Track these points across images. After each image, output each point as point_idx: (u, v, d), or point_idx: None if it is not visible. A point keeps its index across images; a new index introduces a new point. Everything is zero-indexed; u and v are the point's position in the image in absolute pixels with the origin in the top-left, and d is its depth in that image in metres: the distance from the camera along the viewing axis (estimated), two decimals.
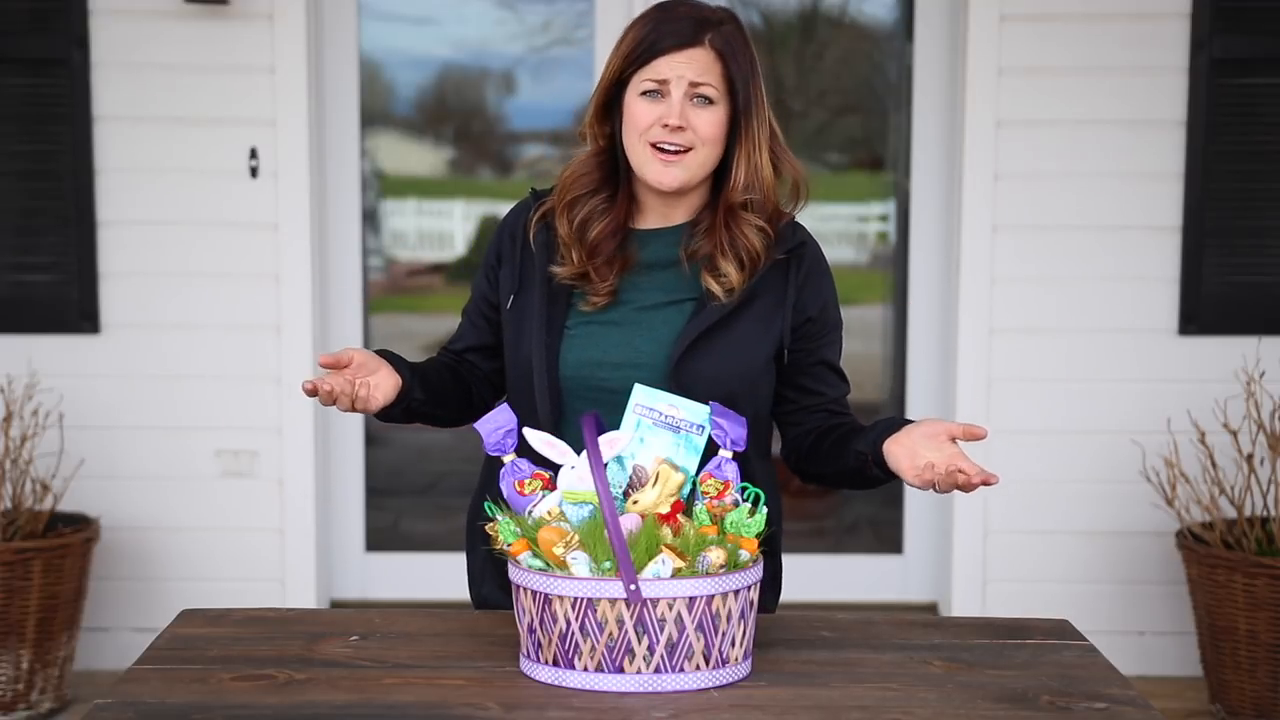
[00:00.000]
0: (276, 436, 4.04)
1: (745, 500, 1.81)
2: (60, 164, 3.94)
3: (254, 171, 3.95)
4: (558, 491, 1.82)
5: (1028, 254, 3.98)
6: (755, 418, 2.00)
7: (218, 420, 4.03)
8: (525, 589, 1.73)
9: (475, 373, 2.16)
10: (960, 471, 1.79)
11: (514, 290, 2.05)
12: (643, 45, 1.96)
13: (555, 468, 1.85)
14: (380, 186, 4.51)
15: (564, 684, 1.71)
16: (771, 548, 1.90)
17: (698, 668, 1.70)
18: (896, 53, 4.37)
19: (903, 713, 1.65)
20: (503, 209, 2.16)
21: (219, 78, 3.92)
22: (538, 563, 1.73)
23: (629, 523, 1.74)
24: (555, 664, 1.72)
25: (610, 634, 1.68)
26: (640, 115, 1.96)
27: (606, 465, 1.80)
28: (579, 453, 1.83)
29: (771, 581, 2.06)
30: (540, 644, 1.73)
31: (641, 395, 1.88)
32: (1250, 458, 3.66)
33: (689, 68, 1.95)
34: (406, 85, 4.56)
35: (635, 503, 1.79)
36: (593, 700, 1.67)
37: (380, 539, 4.37)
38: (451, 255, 4.72)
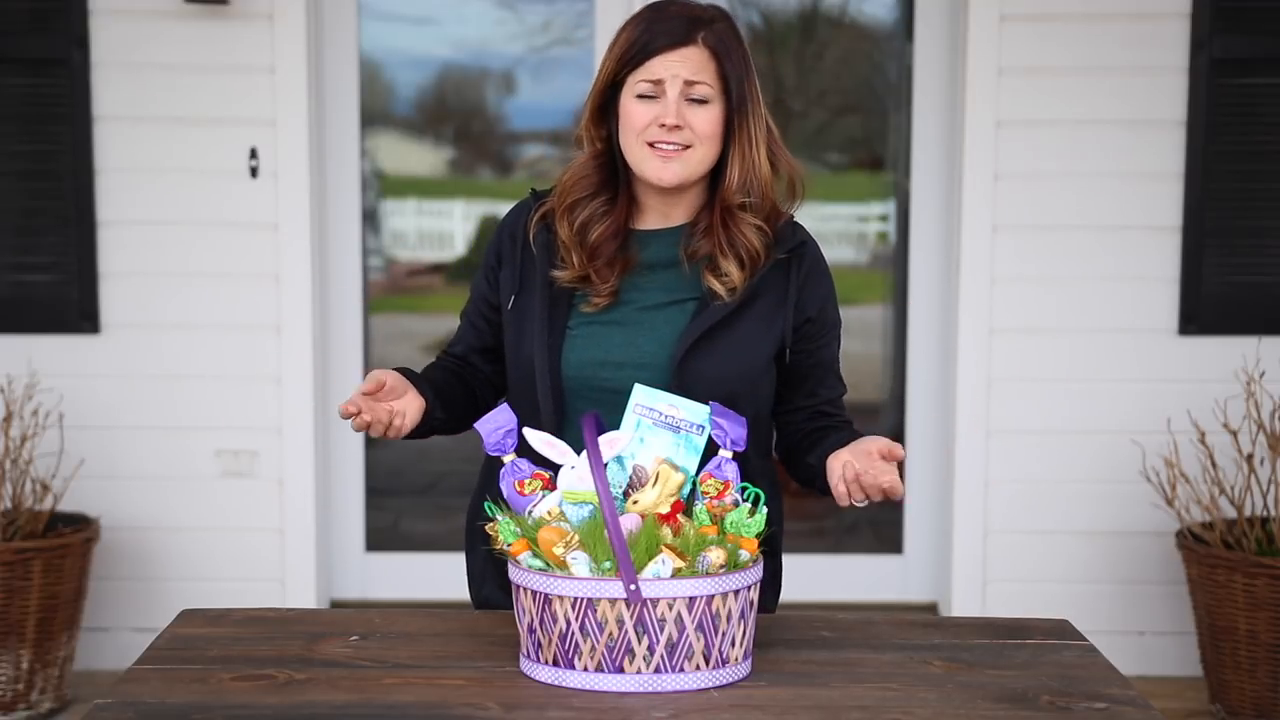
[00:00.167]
0: (276, 436, 4.04)
1: (745, 500, 1.82)
2: (60, 164, 3.94)
3: (254, 171, 3.95)
4: (558, 491, 1.82)
5: (1028, 254, 3.98)
6: (756, 418, 2.00)
7: (218, 420, 4.03)
8: (525, 589, 1.73)
9: (478, 375, 2.16)
10: (877, 483, 1.82)
11: (515, 291, 2.05)
12: (636, 46, 1.97)
13: (555, 468, 1.85)
14: (380, 186, 4.51)
15: (564, 684, 1.71)
16: (772, 547, 1.91)
17: (698, 668, 1.70)
18: (896, 53, 4.37)
19: (903, 713, 1.65)
20: (503, 209, 2.16)
21: (219, 78, 3.92)
22: (538, 563, 1.73)
23: (629, 523, 1.74)
24: (555, 664, 1.72)
25: (610, 634, 1.68)
26: (637, 116, 1.97)
27: (606, 465, 1.80)
28: (579, 453, 1.83)
29: (771, 581, 2.06)
30: (540, 644, 1.73)
31: (641, 395, 1.88)
32: (1250, 458, 3.66)
33: (683, 67, 1.95)
34: (406, 85, 4.56)
35: (635, 503, 1.79)
36: (593, 700, 1.67)
37: (380, 539, 4.37)
38: (451, 255, 4.72)
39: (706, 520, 1.78)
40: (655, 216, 2.05)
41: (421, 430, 2.00)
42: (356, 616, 2.02)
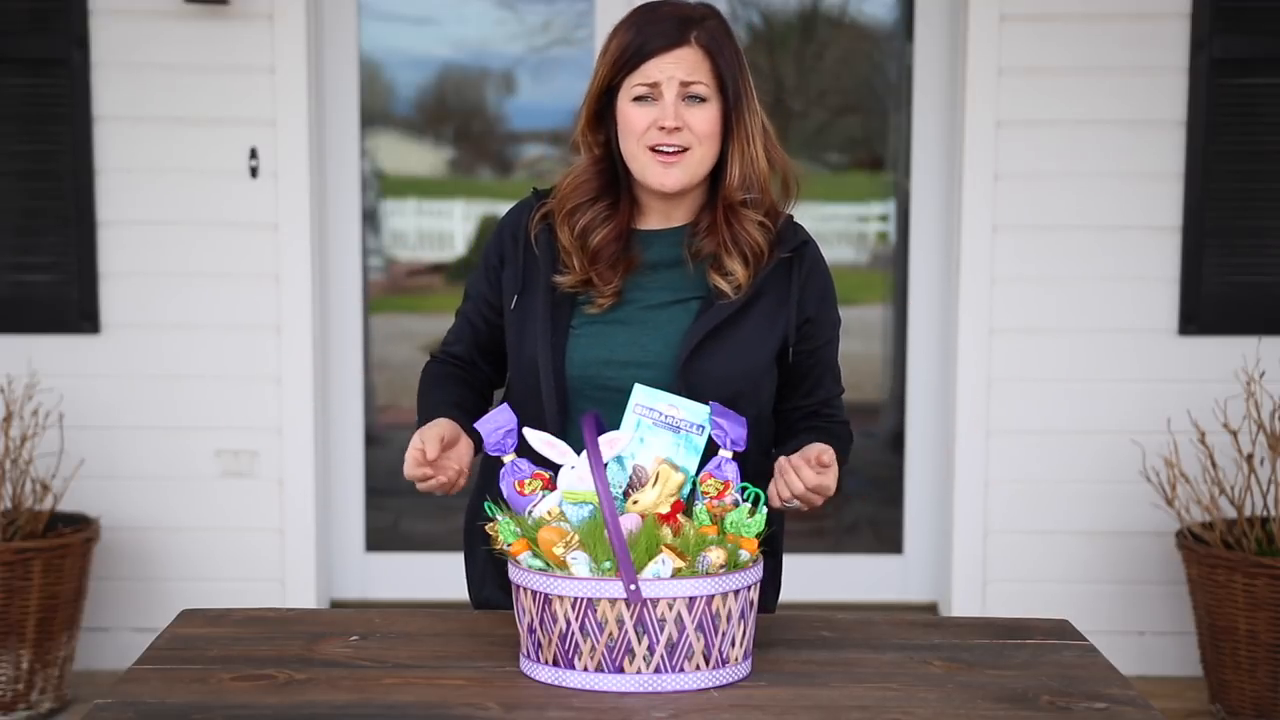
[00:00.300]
0: (276, 436, 4.04)
1: (745, 500, 1.81)
2: (60, 164, 3.94)
3: (254, 171, 3.95)
4: (558, 491, 1.82)
5: (1028, 254, 3.98)
6: (757, 418, 2.00)
7: (218, 420, 4.03)
8: (525, 589, 1.73)
9: (481, 376, 2.15)
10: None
11: (517, 291, 2.04)
12: (630, 50, 1.96)
13: (555, 468, 1.85)
14: (380, 186, 4.51)
15: (564, 684, 1.71)
16: (772, 547, 1.91)
17: (698, 668, 1.70)
18: (896, 53, 4.37)
19: (903, 713, 1.65)
20: (502, 209, 2.16)
21: (219, 78, 3.93)
22: (538, 563, 1.73)
23: (629, 523, 1.74)
24: (555, 664, 1.72)
25: (610, 634, 1.68)
26: (635, 120, 1.96)
27: (606, 465, 1.80)
28: (579, 452, 1.83)
29: (771, 581, 2.06)
30: (540, 644, 1.73)
31: (641, 395, 1.88)
32: (1250, 458, 3.66)
33: (678, 68, 1.95)
34: (406, 85, 4.56)
35: (635, 503, 1.79)
36: (593, 700, 1.67)
37: (380, 539, 4.37)
38: (451, 255, 4.72)
39: (706, 520, 1.78)
40: (657, 217, 2.05)
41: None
42: (356, 616, 2.02)
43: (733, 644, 1.72)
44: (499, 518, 1.80)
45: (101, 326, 3.99)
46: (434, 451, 1.90)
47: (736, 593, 1.71)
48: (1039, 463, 4.03)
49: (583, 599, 1.68)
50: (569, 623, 1.69)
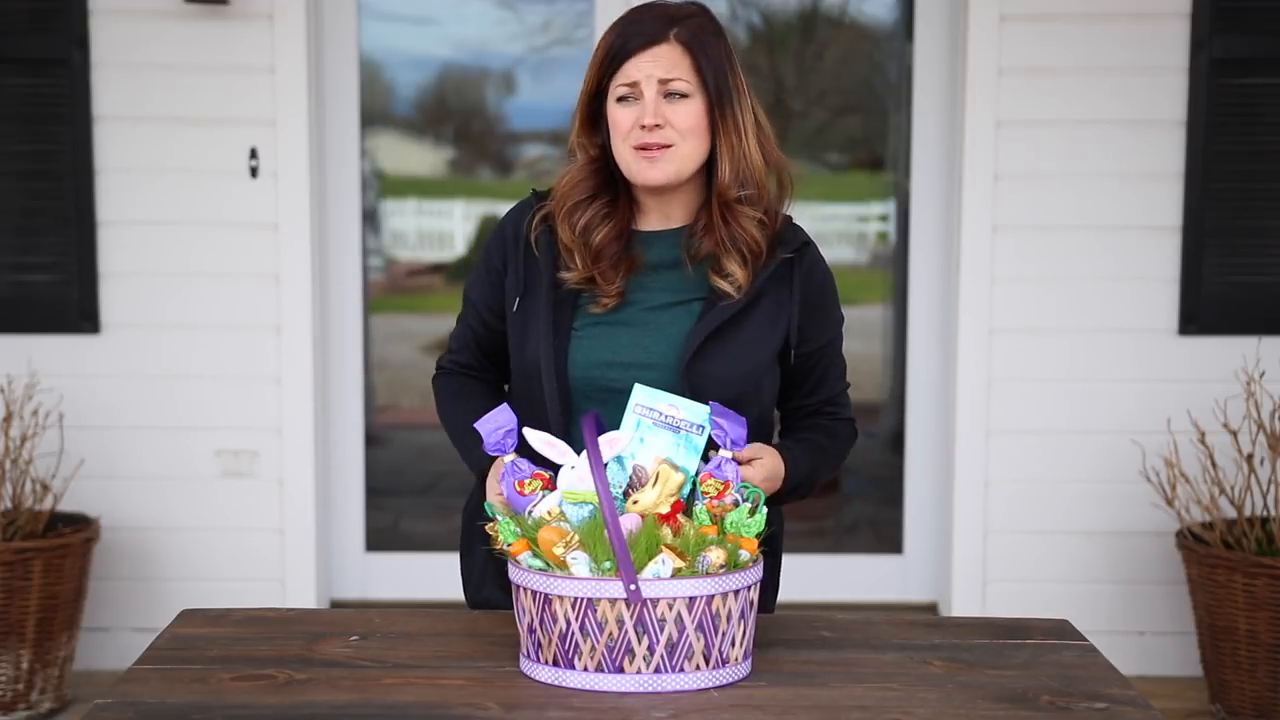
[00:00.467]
0: (276, 436, 4.04)
1: (745, 500, 1.81)
2: (60, 164, 3.94)
3: (254, 171, 3.95)
4: (558, 491, 1.82)
5: (1028, 254, 3.98)
6: (759, 417, 2.01)
7: (218, 420, 4.03)
8: (525, 589, 1.73)
9: (493, 379, 2.15)
10: None
11: (520, 293, 2.04)
12: (612, 52, 1.98)
13: (555, 468, 1.85)
14: (380, 186, 4.51)
15: (564, 684, 1.71)
16: (771, 547, 1.91)
17: (698, 668, 1.70)
18: (896, 53, 4.37)
19: (903, 713, 1.65)
20: (503, 209, 2.16)
21: (219, 78, 3.93)
22: (538, 563, 1.73)
23: (629, 523, 1.74)
24: (555, 664, 1.72)
25: (610, 634, 1.68)
26: (620, 121, 1.98)
27: (606, 465, 1.80)
28: (580, 452, 1.83)
29: (771, 581, 2.06)
30: (540, 644, 1.73)
31: (641, 395, 1.88)
32: (1250, 458, 3.66)
33: (656, 66, 1.95)
34: (406, 85, 4.56)
35: (635, 503, 1.79)
36: (593, 700, 1.67)
37: (380, 539, 4.37)
38: (451, 255, 4.72)
39: (706, 520, 1.78)
40: (656, 218, 2.05)
41: None
42: (356, 616, 2.02)
43: (733, 644, 1.73)
44: (499, 518, 1.80)
45: (101, 326, 3.99)
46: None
47: (736, 593, 1.71)
48: (1039, 463, 4.03)
49: (583, 599, 1.68)
50: (569, 623, 1.69)
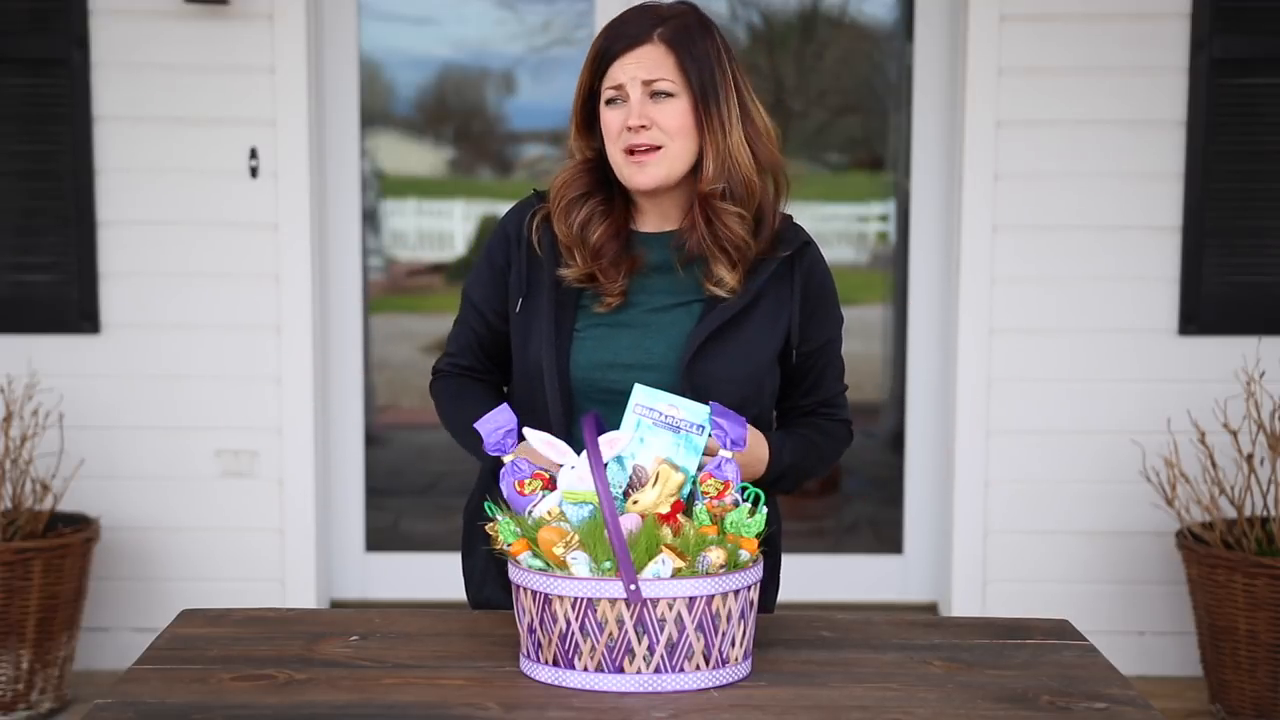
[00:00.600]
0: (276, 436, 4.04)
1: (745, 500, 1.81)
2: (60, 164, 3.94)
3: (254, 171, 3.95)
4: (558, 491, 1.82)
5: (1028, 254, 3.98)
6: (758, 417, 2.01)
7: (218, 420, 4.03)
8: (525, 589, 1.73)
9: (494, 381, 2.15)
10: None
11: (522, 294, 2.04)
12: (599, 55, 1.99)
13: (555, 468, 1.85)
14: (380, 186, 4.51)
15: (564, 684, 1.71)
16: (770, 547, 1.90)
17: (698, 668, 1.70)
18: (896, 53, 4.37)
19: (903, 713, 1.65)
20: (503, 209, 2.15)
21: (219, 78, 3.93)
22: (538, 563, 1.73)
23: (629, 523, 1.74)
24: (555, 664, 1.72)
25: (610, 634, 1.68)
26: (609, 124, 1.98)
27: (606, 465, 1.80)
28: (581, 453, 1.83)
29: (770, 581, 2.06)
30: (540, 644, 1.73)
31: (641, 395, 1.88)
32: (1250, 458, 3.66)
33: (639, 67, 1.96)
34: (406, 85, 4.56)
35: (635, 503, 1.79)
36: (593, 700, 1.67)
37: (380, 539, 4.37)
38: (451, 255, 4.72)
39: (706, 520, 1.78)
40: (654, 219, 2.05)
41: None
42: (356, 616, 2.02)
43: (733, 644, 1.72)
44: (499, 518, 1.80)
45: (101, 326, 3.99)
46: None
47: (736, 593, 1.71)
48: (1039, 463, 4.03)
49: (583, 599, 1.68)
50: (569, 623, 1.69)
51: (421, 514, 4.56)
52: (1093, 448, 4.01)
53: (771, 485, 1.98)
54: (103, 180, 3.95)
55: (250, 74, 3.93)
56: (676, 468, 1.83)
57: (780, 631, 1.93)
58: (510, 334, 2.07)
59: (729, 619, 1.71)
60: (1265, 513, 3.70)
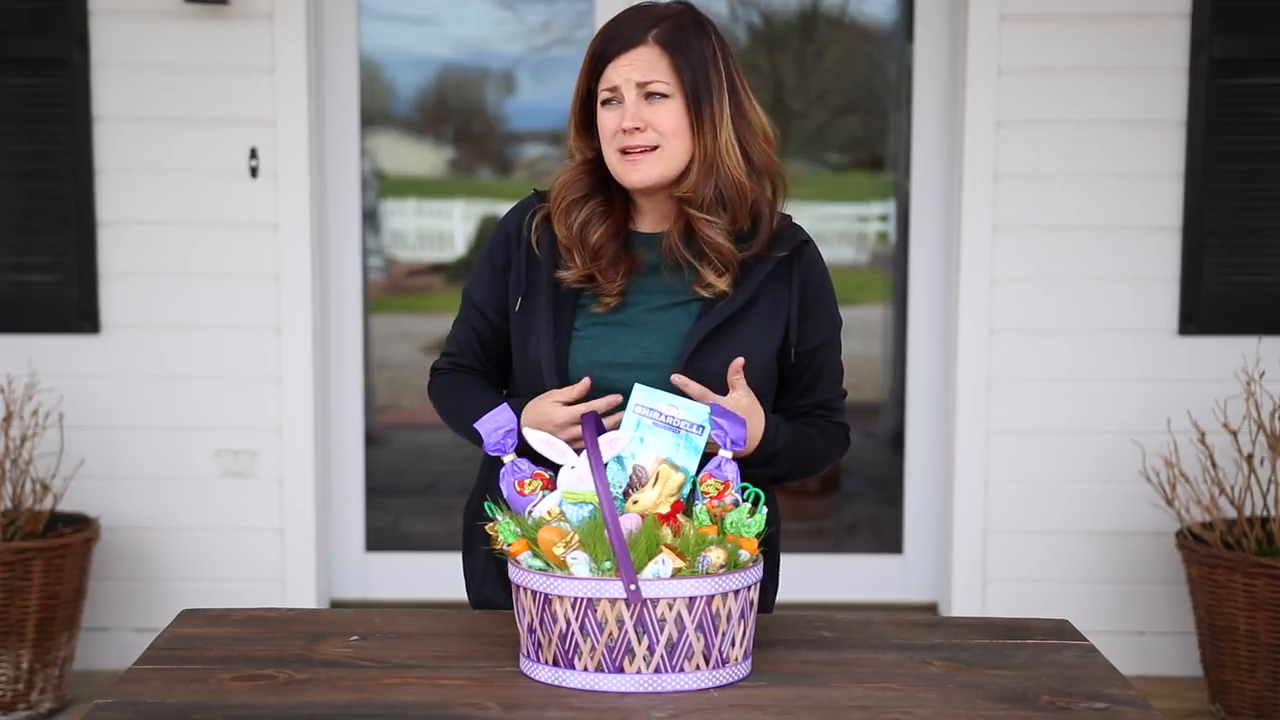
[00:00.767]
0: (276, 436, 4.04)
1: (745, 500, 1.81)
2: (60, 164, 3.94)
3: (254, 171, 3.95)
4: (558, 491, 1.82)
5: (1028, 254, 3.98)
6: None
7: (218, 420, 4.03)
8: (525, 589, 1.73)
9: (493, 381, 2.15)
10: None
11: (522, 293, 2.04)
12: (595, 57, 2.00)
13: (555, 468, 1.85)
14: (380, 186, 4.51)
15: (564, 684, 1.71)
16: (769, 546, 1.90)
17: (698, 668, 1.70)
18: (896, 53, 4.37)
19: (903, 713, 1.65)
20: (503, 209, 2.16)
21: (219, 78, 3.93)
22: (538, 563, 1.73)
23: (629, 523, 1.74)
24: (555, 664, 1.72)
25: (610, 634, 1.68)
26: (605, 125, 1.99)
27: (606, 465, 1.80)
28: (580, 453, 1.83)
29: (769, 581, 2.06)
30: (540, 644, 1.73)
31: (641, 395, 1.88)
32: (1250, 458, 3.66)
33: (633, 69, 1.96)
34: (406, 85, 4.56)
35: (635, 503, 1.79)
36: (593, 700, 1.67)
37: (380, 539, 4.37)
38: (451, 255, 4.72)
39: (706, 520, 1.78)
40: (652, 219, 2.06)
41: None
42: (356, 616, 2.02)
43: (733, 644, 1.73)
44: (499, 518, 1.80)
45: (101, 326, 3.99)
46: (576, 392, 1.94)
47: (736, 593, 1.71)
48: (1039, 463, 4.03)
49: (583, 599, 1.68)
50: (569, 623, 1.69)
51: (421, 514, 4.57)
52: (1093, 448, 4.01)
53: (762, 467, 1.96)
54: (103, 180, 3.95)
55: (250, 74, 3.93)
56: (676, 468, 1.83)
57: (780, 631, 1.94)
58: (510, 333, 2.08)
59: (729, 619, 1.71)
60: (1265, 513, 3.70)
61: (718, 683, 1.72)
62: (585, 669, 1.70)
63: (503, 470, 1.87)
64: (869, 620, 2.01)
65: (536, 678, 1.74)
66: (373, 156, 4.42)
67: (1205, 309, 3.95)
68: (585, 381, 1.95)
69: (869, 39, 4.55)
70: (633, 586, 1.66)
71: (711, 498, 1.81)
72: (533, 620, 1.73)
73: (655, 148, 1.97)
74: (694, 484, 1.84)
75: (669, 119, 1.96)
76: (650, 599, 1.67)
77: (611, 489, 1.80)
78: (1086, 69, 3.91)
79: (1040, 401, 4.01)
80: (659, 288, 2.03)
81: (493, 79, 4.56)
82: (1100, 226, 3.96)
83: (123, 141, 3.94)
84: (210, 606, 2.10)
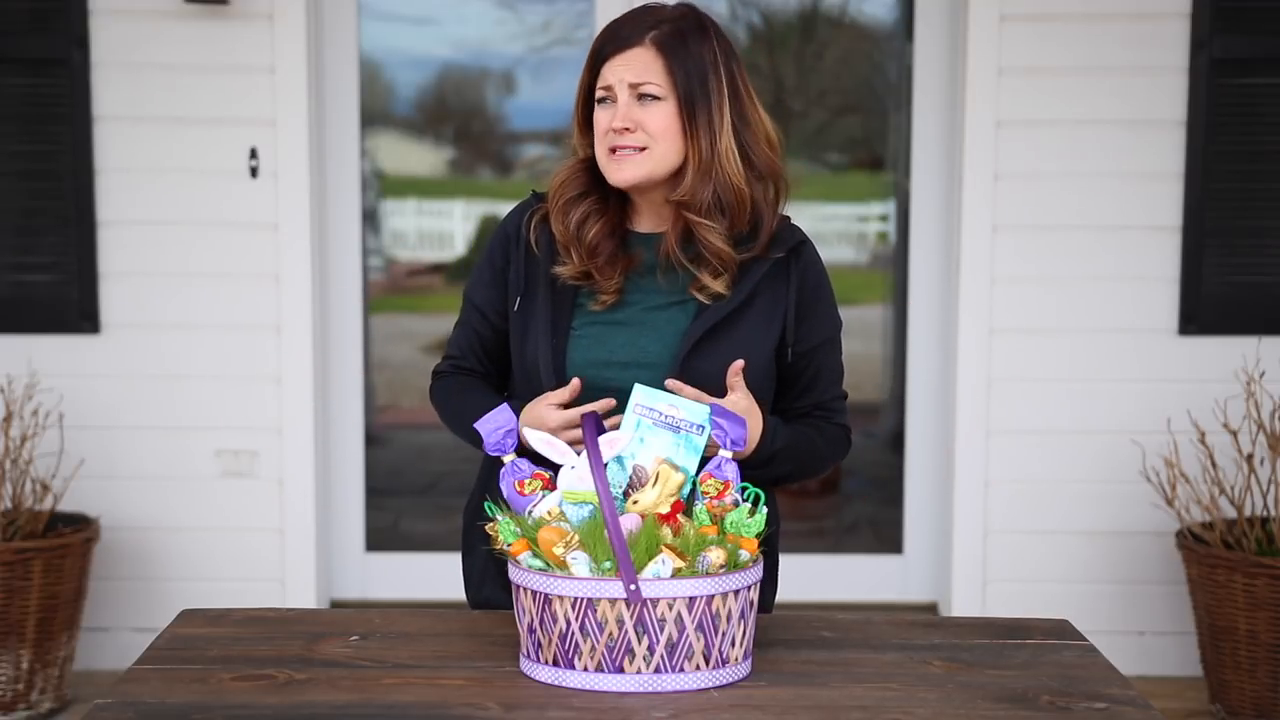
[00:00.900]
0: (276, 436, 4.04)
1: (745, 500, 1.81)
2: (60, 164, 3.94)
3: (254, 171, 3.95)
4: (558, 491, 1.82)
5: (1028, 254, 3.98)
6: None
7: (218, 420, 4.03)
8: (525, 589, 1.73)
9: (494, 383, 2.15)
10: None
11: (520, 292, 2.05)
12: (594, 56, 2.01)
13: (555, 468, 1.85)
14: (380, 186, 4.51)
15: (564, 684, 1.71)
16: (768, 546, 1.90)
17: (698, 668, 1.70)
18: (896, 53, 4.37)
19: (903, 713, 1.65)
20: (503, 209, 2.16)
21: (219, 78, 3.93)
22: (538, 563, 1.73)
23: (629, 523, 1.74)
24: (555, 664, 1.72)
25: (610, 634, 1.68)
26: (598, 123, 2.00)
27: (606, 465, 1.80)
28: (580, 453, 1.83)
29: (768, 580, 2.06)
30: (540, 644, 1.73)
31: (641, 395, 1.88)
32: (1250, 458, 3.66)
33: (628, 70, 1.97)
34: (406, 85, 4.56)
35: (635, 503, 1.79)
36: (593, 700, 1.67)
37: (380, 539, 4.37)
38: (451, 255, 4.72)
39: (706, 520, 1.78)
40: (649, 219, 2.06)
41: None
42: (356, 616, 2.02)
43: (733, 644, 1.73)
44: (499, 518, 1.80)
45: (101, 326, 3.99)
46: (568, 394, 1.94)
47: (736, 593, 1.71)
48: (1039, 463, 4.03)
49: (583, 599, 1.68)
50: (569, 623, 1.69)
51: (421, 514, 4.57)
52: (1093, 448, 4.01)
53: (760, 469, 1.96)
54: (103, 180, 3.95)
55: (250, 74, 3.93)
56: (676, 468, 1.83)
57: (780, 631, 1.94)
58: (510, 333, 2.08)
59: (729, 619, 1.71)
60: (1265, 513, 3.70)
61: (718, 683, 1.72)
62: (585, 669, 1.70)
63: (503, 470, 1.87)
64: (869, 620, 2.01)
65: (536, 678, 1.74)
66: (373, 156, 4.42)
67: (1205, 309, 3.95)
68: (575, 383, 1.95)
69: (869, 39, 4.55)
70: (633, 586, 1.66)
71: (711, 498, 1.81)
72: (533, 620, 1.73)
73: (643, 149, 1.97)
74: (694, 484, 1.84)
75: (659, 121, 1.97)
76: (650, 599, 1.67)
77: (611, 489, 1.80)
78: (1086, 69, 3.91)
79: (1040, 401, 4.01)
80: (656, 287, 2.03)
81: (493, 79, 4.56)
82: (1100, 226, 3.96)
83: (123, 141, 3.94)
84: (210, 606, 2.10)
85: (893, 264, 4.45)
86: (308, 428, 4.04)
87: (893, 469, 4.38)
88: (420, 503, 4.57)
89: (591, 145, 2.04)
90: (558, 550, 1.71)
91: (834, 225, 4.58)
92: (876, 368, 4.55)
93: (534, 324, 2.02)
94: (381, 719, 1.63)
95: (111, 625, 4.03)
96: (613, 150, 1.98)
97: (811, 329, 2.05)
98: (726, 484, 1.82)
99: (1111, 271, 3.97)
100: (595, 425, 1.78)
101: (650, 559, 1.69)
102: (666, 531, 1.74)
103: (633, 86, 1.96)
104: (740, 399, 1.93)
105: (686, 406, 1.87)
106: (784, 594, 2.16)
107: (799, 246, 2.04)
